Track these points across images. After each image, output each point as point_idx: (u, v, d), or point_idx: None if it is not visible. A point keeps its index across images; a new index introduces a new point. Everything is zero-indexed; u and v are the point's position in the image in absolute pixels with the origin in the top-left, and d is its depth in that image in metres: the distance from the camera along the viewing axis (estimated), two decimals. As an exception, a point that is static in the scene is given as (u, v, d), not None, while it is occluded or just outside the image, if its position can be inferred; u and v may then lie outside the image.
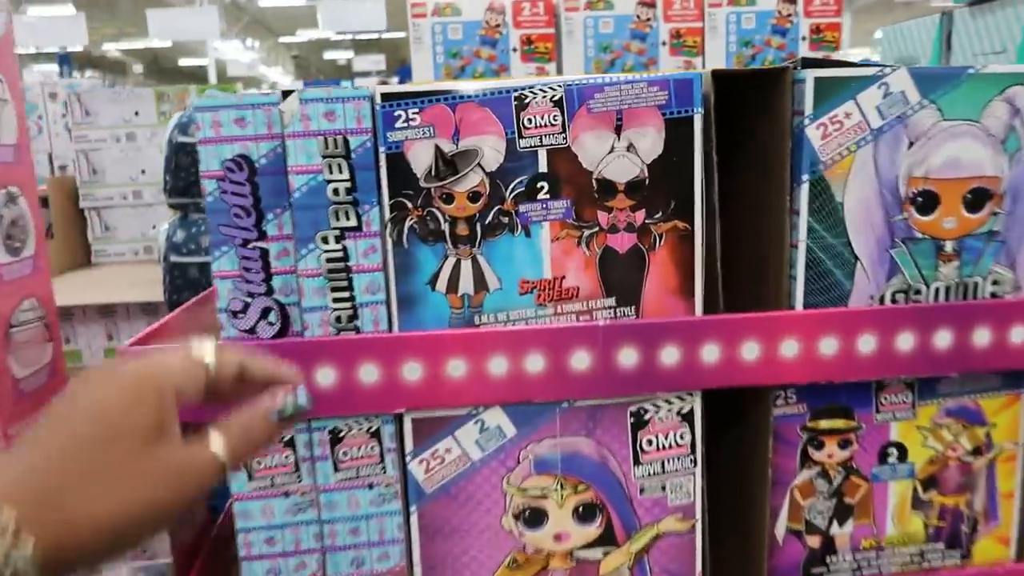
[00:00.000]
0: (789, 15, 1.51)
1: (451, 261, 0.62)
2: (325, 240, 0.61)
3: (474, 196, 0.61)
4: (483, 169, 0.61)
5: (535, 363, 0.62)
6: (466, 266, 0.62)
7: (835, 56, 1.54)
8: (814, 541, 0.71)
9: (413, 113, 0.60)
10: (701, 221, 0.63)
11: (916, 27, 1.30)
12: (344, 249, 0.61)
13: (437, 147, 0.60)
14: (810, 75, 0.62)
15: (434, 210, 0.61)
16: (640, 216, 0.63)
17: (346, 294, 0.61)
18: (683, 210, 0.63)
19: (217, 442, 0.34)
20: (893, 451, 0.70)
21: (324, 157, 0.60)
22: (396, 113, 0.59)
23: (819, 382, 0.66)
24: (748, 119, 0.70)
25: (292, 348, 0.60)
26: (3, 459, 0.30)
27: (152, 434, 0.31)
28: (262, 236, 0.61)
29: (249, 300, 0.62)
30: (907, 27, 1.32)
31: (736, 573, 0.72)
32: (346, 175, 0.60)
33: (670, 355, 0.63)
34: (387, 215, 0.61)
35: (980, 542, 0.73)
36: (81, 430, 0.30)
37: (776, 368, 0.64)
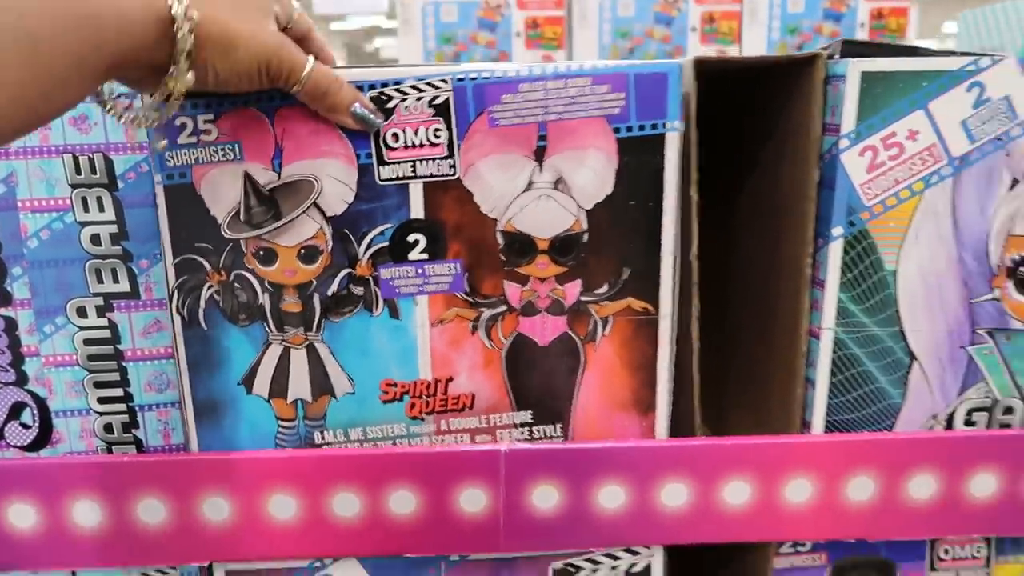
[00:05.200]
0: (846, -3, 1.26)
1: (275, 351, 0.42)
2: (81, 312, 0.41)
3: (309, 253, 0.40)
4: (322, 212, 0.40)
5: (403, 502, 0.42)
6: (299, 359, 0.42)
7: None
8: None
9: (205, 121, 0.39)
10: (672, 300, 0.42)
11: (1003, 11, 1.04)
12: (112, 325, 0.41)
13: (247, 176, 0.39)
14: (854, 68, 0.40)
15: (246, 274, 0.41)
16: (573, 290, 0.42)
17: (118, 392, 0.42)
18: (643, 283, 0.41)
19: (311, 60, 0.37)
20: (949, 620, 0.50)
21: (74, 187, 0.39)
22: (178, 121, 0.38)
23: (844, 540, 0.46)
24: (757, 136, 0.48)
25: (33, 471, 0.41)
26: None
27: (272, 7, 0.37)
28: (5, 300, 0.42)
29: (-12, 392, 0.43)
30: (992, 11, 1.07)
31: None
32: (110, 214, 0.40)
33: (612, 497, 0.43)
34: (171, 281, 0.40)
35: None
36: None
37: (776, 520, 0.44)
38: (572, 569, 0.46)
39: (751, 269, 0.50)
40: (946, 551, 0.49)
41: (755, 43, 1.23)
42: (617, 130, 0.40)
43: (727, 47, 1.28)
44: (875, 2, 1.30)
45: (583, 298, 0.42)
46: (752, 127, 0.50)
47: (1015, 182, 0.41)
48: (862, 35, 1.29)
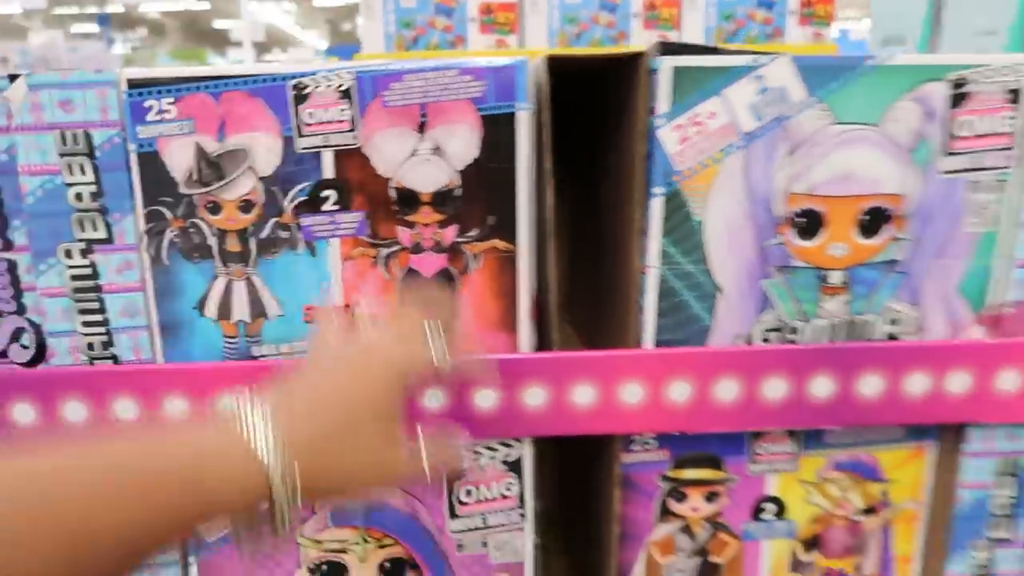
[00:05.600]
0: (777, -13, 1.37)
1: (221, 282, 0.54)
2: (68, 254, 0.53)
3: (246, 206, 0.53)
4: (255, 173, 0.52)
5: (323, 404, 0.54)
6: (240, 288, 0.54)
7: (825, 33, 1.40)
8: (673, 602, 0.64)
9: (167, 103, 0.51)
10: (528, 241, 0.54)
11: (906, 2, 1.16)
12: (92, 265, 0.53)
13: (198, 146, 0.51)
14: (667, 64, 0.52)
15: (198, 222, 0.53)
16: (450, 233, 0.54)
17: (98, 317, 0.54)
18: (505, 227, 0.54)
19: (426, 459, 0.40)
20: (769, 507, 0.63)
21: (62, 156, 0.51)
22: (146, 104, 0.51)
23: (667, 432, 0.58)
24: (612, 115, 0.60)
25: (31, 379, 0.53)
26: (292, 422, 0.35)
27: (393, 425, 0.38)
28: (8, 246, 0.54)
29: (-3, 318, 0.55)
30: (897, 1, 1.18)
31: (582, 633, 0.66)
32: (90, 177, 0.52)
33: (485, 398, 0.55)
34: (142, 226, 0.53)
35: (869, 610, 0.66)
36: (346, 410, 0.36)
37: (615, 415, 0.56)
38: (460, 458, 0.59)
39: (607, 221, 0.62)
40: (762, 447, 0.61)
41: (693, 29, 1.34)
42: (480, 109, 0.52)
43: (668, 32, 1.38)
44: (805, -9, 1.39)
45: (458, 239, 0.54)
46: (613, 111, 0.62)
47: (792, 151, 0.54)
48: (792, 22, 1.39)
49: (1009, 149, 0.55)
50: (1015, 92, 0.54)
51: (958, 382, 0.57)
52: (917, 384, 0.57)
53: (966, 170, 0.55)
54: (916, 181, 0.54)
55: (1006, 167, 0.55)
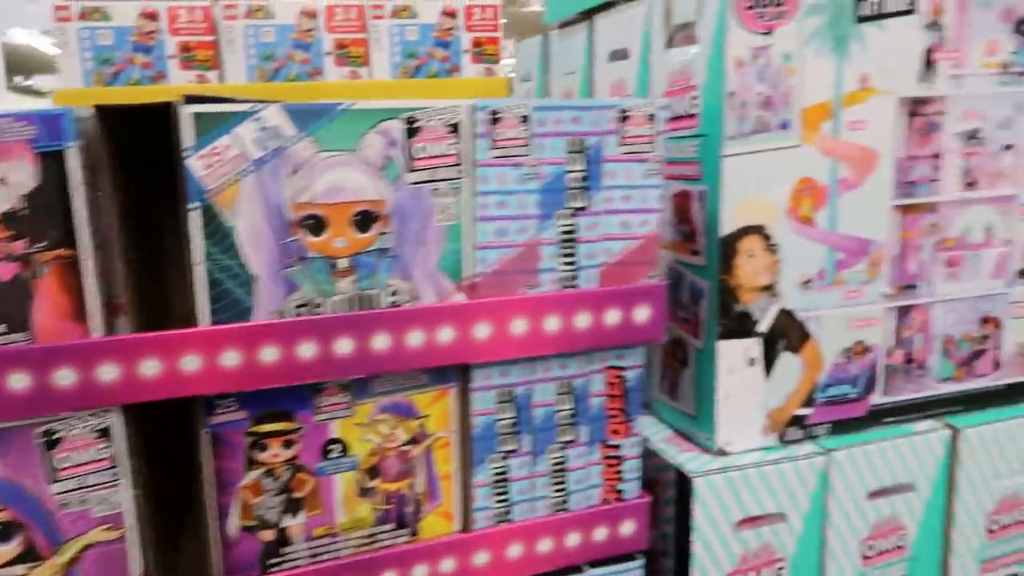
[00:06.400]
0: (450, 28, 1.61)
1: None
2: None
3: None
4: None
5: (-82, 393, 0.66)
6: None
7: (495, 68, 1.66)
8: (268, 535, 0.80)
9: None
10: (90, 249, 0.69)
11: (530, 46, 1.44)
12: None
13: None
14: (186, 111, 0.69)
15: None
16: (20, 246, 0.68)
17: None
18: (68, 239, 0.68)
19: None
20: (335, 447, 0.81)
21: None
22: None
23: (230, 391, 0.75)
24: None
25: None
26: None
27: None
28: None
29: None
30: (526, 45, 1.46)
31: (194, 573, 0.80)
32: None
33: (64, 377, 0.69)
34: None
35: (426, 519, 0.85)
36: None
37: (179, 382, 0.72)
38: (54, 431, 0.71)
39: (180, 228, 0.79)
40: (323, 400, 0.79)
41: (382, 65, 1.53)
42: (35, 147, 0.67)
43: (358, 68, 1.57)
44: (474, 33, 1.64)
45: (28, 251, 0.68)
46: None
47: (293, 172, 0.73)
48: (466, 60, 1.60)
49: (458, 165, 0.77)
50: (455, 126, 0.76)
51: (446, 335, 0.78)
52: (416, 339, 0.78)
53: (427, 181, 0.77)
54: (390, 190, 0.76)
55: (457, 178, 0.77)
